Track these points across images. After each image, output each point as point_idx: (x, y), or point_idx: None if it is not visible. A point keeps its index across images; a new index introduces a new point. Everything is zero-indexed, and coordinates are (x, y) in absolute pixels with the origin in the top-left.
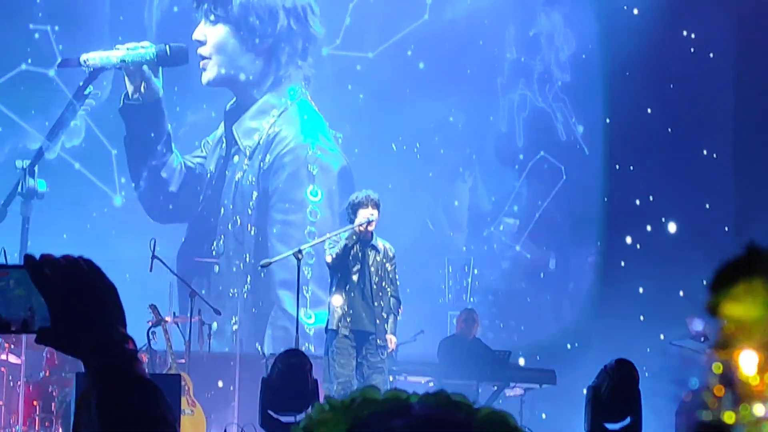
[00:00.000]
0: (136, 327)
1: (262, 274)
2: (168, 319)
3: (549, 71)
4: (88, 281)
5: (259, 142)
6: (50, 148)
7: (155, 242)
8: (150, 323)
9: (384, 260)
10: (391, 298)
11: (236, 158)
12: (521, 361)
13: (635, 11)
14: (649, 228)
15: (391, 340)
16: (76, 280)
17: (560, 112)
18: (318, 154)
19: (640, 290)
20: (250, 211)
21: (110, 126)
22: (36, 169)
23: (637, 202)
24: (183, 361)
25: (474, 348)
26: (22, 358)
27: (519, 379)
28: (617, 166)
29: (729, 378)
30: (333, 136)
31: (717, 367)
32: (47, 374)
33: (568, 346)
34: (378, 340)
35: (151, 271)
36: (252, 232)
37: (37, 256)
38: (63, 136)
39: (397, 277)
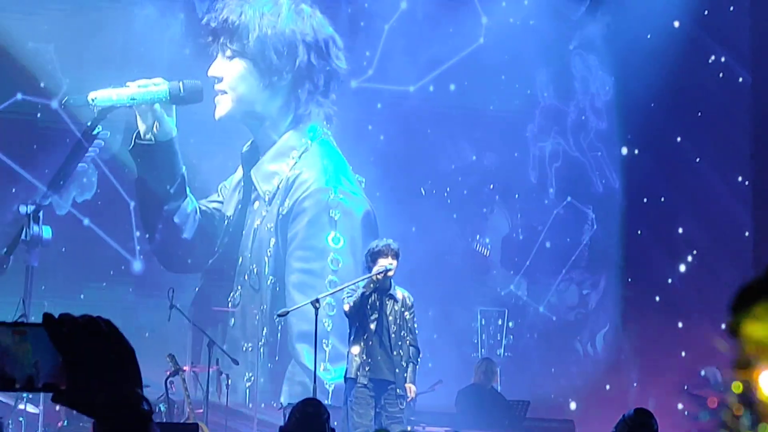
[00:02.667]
0: (155, 376)
1: (279, 326)
2: (186, 368)
3: (584, 118)
4: (105, 341)
5: (278, 186)
6: (59, 204)
7: (173, 292)
8: (168, 372)
9: (402, 309)
10: (410, 347)
11: (256, 204)
12: (572, 406)
13: (674, 23)
14: (690, 258)
15: (411, 389)
16: (94, 339)
17: (595, 162)
18: (340, 198)
19: (680, 325)
20: (267, 259)
21: (128, 176)
22: (41, 215)
23: (680, 230)
24: (201, 410)
25: (492, 398)
26: (39, 407)
27: (537, 430)
28: (645, 200)
29: (748, 398)
30: (356, 179)
31: (737, 387)
32: (65, 424)
33: (607, 387)
34: (397, 390)
35: (169, 320)
36: (269, 282)
37: (56, 315)
38: (74, 190)
39: (416, 326)
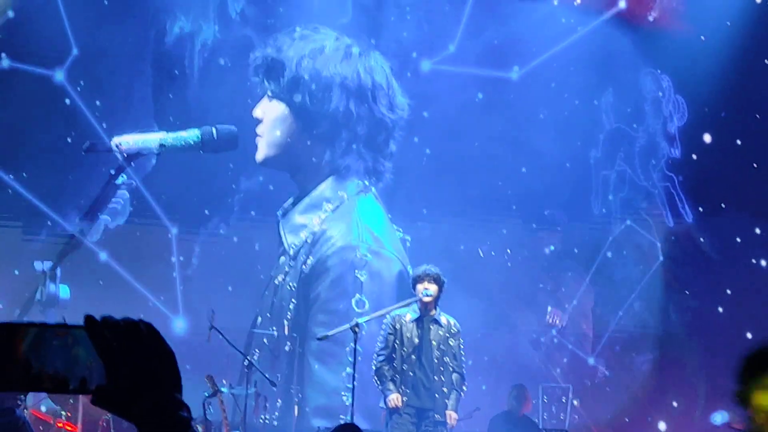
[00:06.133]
0: (193, 398)
1: (297, 399)
2: (224, 390)
3: (654, 144)
4: (146, 345)
5: (306, 241)
6: (91, 233)
7: (214, 313)
8: (206, 394)
9: (447, 335)
10: (454, 374)
11: (282, 259)
12: (662, 426)
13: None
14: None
15: (451, 416)
16: (135, 343)
17: (666, 194)
18: (368, 257)
19: (749, 335)
20: (286, 322)
21: (166, 200)
22: (59, 272)
23: (738, 239)
24: None
25: (525, 425)
26: (78, 426)
27: None
28: (700, 208)
29: None
30: (398, 238)
31: None
32: None
33: (674, 404)
34: (436, 416)
35: (208, 341)
36: (287, 348)
37: (98, 318)
38: (106, 215)
39: (462, 352)
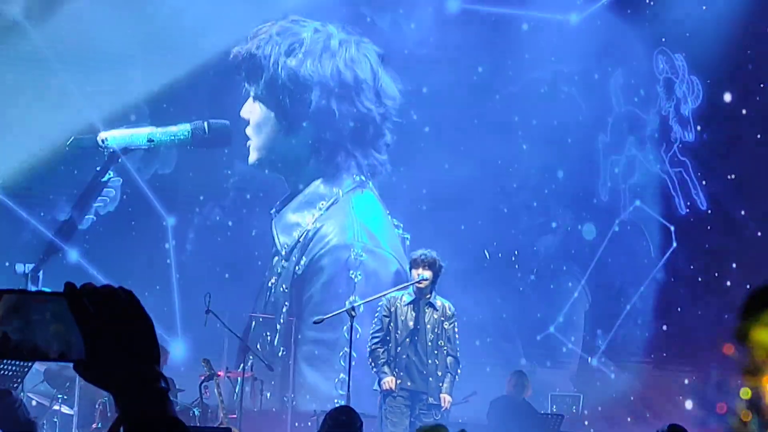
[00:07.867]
0: (189, 381)
1: (291, 405)
2: (221, 373)
3: (666, 128)
4: (124, 314)
5: (298, 240)
6: (81, 220)
7: (210, 296)
8: (202, 377)
9: (442, 318)
10: (448, 357)
11: (275, 259)
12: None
13: None
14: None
15: (445, 399)
16: (114, 312)
17: (678, 179)
18: (363, 257)
19: None
20: (278, 326)
21: (162, 189)
22: (41, 275)
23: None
24: (234, 416)
25: (524, 410)
26: (74, 409)
27: None
28: (704, 182)
29: (757, 404)
30: (397, 235)
31: (745, 393)
32: (98, 426)
33: (686, 381)
34: (430, 399)
35: (205, 326)
36: (280, 354)
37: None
38: (95, 203)
39: (456, 336)
